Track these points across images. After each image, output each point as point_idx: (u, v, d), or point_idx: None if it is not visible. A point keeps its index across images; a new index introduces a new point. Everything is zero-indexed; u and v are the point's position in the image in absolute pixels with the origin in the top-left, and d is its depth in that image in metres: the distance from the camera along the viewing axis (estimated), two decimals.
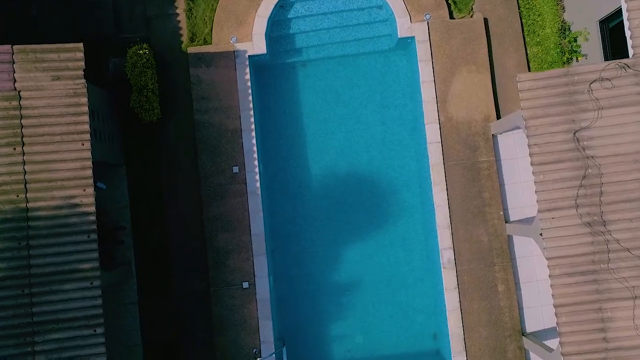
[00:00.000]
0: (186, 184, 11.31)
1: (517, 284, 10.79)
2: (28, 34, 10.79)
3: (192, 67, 11.46)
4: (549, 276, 8.37)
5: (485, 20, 11.68)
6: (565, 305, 8.16)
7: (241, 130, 11.23)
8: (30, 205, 8.29)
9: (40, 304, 8.13)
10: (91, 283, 8.33)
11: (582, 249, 8.38)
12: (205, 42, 11.55)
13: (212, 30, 11.54)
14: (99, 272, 8.40)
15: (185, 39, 11.56)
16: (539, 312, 10.68)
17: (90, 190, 8.61)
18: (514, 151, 11.08)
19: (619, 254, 8.20)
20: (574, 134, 8.55)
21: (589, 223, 8.36)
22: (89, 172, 8.62)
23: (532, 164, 8.69)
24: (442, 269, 10.76)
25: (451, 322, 10.66)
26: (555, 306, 8.25)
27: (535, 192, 8.64)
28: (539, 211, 8.66)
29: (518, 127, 10.08)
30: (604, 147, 8.48)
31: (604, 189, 8.36)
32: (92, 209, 8.55)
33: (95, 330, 8.25)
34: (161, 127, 11.45)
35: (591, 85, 8.60)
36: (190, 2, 11.46)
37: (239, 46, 11.49)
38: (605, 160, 8.44)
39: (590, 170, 8.42)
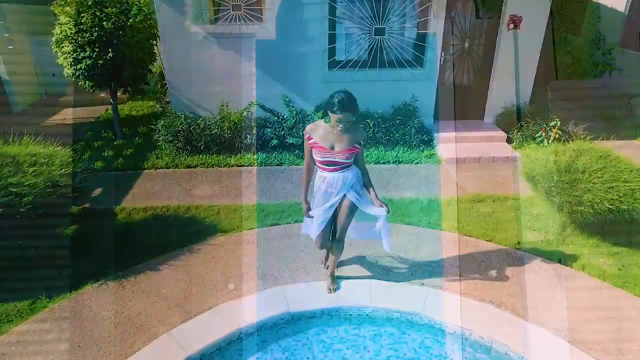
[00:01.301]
0: None
1: (524, 311, 9.95)
2: None
3: (194, 46, 10.73)
4: (567, 308, 7.59)
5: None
6: (582, 343, 7.39)
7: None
8: None
9: None
10: None
11: (606, 281, 7.59)
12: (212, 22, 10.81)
13: (219, 9, 10.79)
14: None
15: (190, 15, 10.82)
16: (548, 345, 9.86)
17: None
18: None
19: None
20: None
21: (612, 253, 7.56)
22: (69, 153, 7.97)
23: None
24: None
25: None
26: (570, 343, 7.46)
27: (558, 212, 7.84)
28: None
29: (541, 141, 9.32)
30: None
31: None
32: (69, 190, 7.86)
33: None
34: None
35: (630, 100, 7.80)
36: None
37: (247, 29, 10.75)
38: None
39: None
